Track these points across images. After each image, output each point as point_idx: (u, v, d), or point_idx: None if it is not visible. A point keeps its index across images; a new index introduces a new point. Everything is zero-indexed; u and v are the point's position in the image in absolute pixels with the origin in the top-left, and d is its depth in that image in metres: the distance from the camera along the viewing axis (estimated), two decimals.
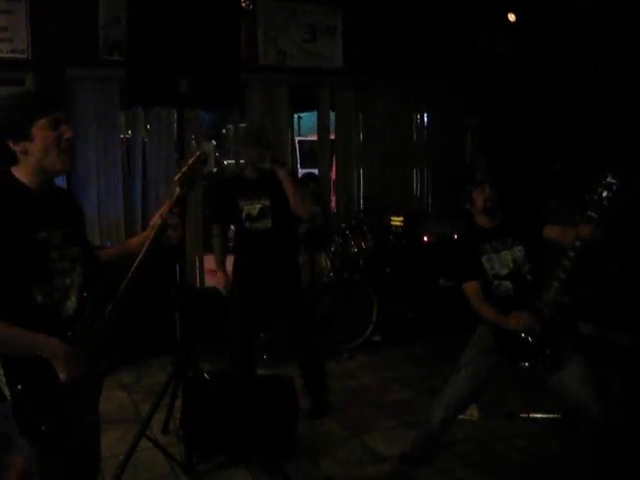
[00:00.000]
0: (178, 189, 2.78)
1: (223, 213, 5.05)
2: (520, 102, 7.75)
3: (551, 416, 4.49)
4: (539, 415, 4.56)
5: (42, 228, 2.35)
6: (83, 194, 6.88)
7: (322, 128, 8.10)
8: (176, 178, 2.78)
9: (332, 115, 8.20)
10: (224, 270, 5.08)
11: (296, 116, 12.95)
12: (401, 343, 6.60)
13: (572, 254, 3.32)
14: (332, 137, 8.26)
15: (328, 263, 6.78)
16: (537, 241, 3.66)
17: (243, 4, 7.08)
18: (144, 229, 7.15)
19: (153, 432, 4.34)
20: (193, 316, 4.40)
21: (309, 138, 11.93)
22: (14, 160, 2.38)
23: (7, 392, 2.23)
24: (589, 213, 3.24)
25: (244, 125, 7.78)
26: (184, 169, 2.80)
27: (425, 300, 6.81)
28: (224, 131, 17.25)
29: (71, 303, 2.44)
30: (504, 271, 3.67)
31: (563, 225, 3.56)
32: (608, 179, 3.15)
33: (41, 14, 6.56)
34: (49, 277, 2.36)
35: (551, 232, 3.62)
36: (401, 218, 7.30)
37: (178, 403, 4.20)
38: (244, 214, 4.78)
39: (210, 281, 7.34)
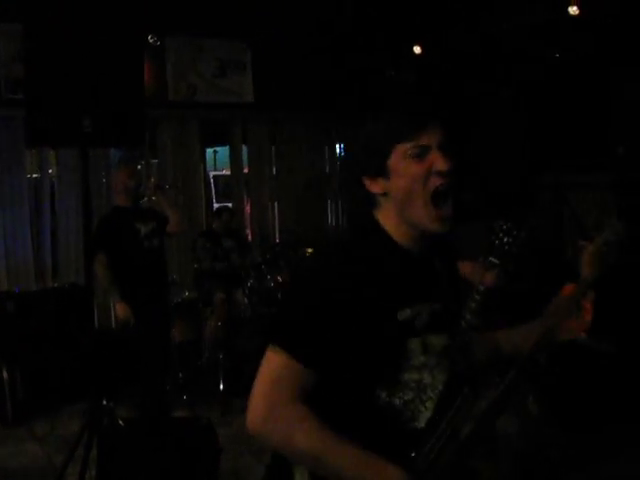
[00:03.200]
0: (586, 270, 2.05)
1: None
2: None
3: None
4: None
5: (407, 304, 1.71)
6: None
7: (235, 162, 8.09)
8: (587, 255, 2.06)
9: (245, 149, 8.19)
10: None
11: (212, 150, 12.89)
12: None
13: (478, 297, 3.27)
14: (246, 171, 8.24)
15: (245, 299, 6.68)
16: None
17: (150, 40, 7.02)
18: (54, 272, 7.03)
19: None
20: (104, 361, 4.27)
21: (225, 172, 11.88)
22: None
23: None
24: (491, 259, 3.15)
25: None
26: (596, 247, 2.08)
27: None
28: (139, 167, 17.03)
29: (425, 410, 1.72)
30: None
31: (473, 259, 3.54)
32: (503, 226, 3.08)
33: None
34: (401, 371, 1.69)
35: (462, 268, 3.60)
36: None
37: (94, 453, 4.04)
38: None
39: None
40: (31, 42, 3.68)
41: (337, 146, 8.75)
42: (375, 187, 1.74)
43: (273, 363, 1.61)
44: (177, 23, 7.30)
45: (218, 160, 13.55)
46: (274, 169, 8.36)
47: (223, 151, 12.42)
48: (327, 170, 8.70)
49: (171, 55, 7.50)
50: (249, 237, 8.16)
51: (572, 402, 4.83)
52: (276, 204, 8.35)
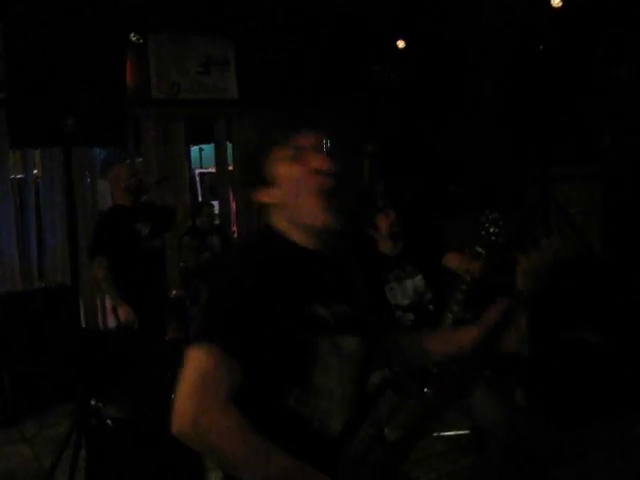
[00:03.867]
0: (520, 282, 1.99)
1: None
2: (413, 126, 7.92)
3: (460, 433, 4.49)
4: (449, 433, 4.57)
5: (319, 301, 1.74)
6: None
7: (220, 160, 8.07)
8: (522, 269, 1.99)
9: (229, 146, 8.17)
10: None
11: (197, 148, 12.86)
12: None
13: (464, 287, 3.30)
14: (230, 168, 8.23)
15: None
16: (436, 269, 3.61)
17: (133, 38, 6.98)
18: (40, 273, 7.00)
19: None
20: (91, 361, 4.25)
21: (211, 170, 11.88)
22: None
23: None
24: (477, 249, 3.20)
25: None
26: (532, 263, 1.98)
27: None
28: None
29: (337, 416, 1.73)
30: (406, 301, 3.58)
31: (461, 251, 3.52)
32: (490, 216, 3.13)
33: None
34: (309, 373, 1.68)
35: (450, 261, 3.59)
36: None
37: (83, 454, 4.03)
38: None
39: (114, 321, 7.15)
40: (12, 41, 3.65)
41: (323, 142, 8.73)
42: (264, 197, 1.80)
43: (200, 361, 1.57)
44: (159, 20, 7.27)
45: (204, 158, 13.55)
46: None
47: (209, 148, 12.44)
48: None
49: (154, 53, 7.46)
50: (235, 235, 8.14)
51: (561, 396, 4.85)
52: None
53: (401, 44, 7.69)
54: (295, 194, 1.75)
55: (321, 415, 1.69)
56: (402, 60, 7.84)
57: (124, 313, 4.90)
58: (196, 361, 1.57)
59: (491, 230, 3.13)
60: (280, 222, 1.79)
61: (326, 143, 1.84)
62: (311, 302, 1.69)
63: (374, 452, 1.67)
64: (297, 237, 1.78)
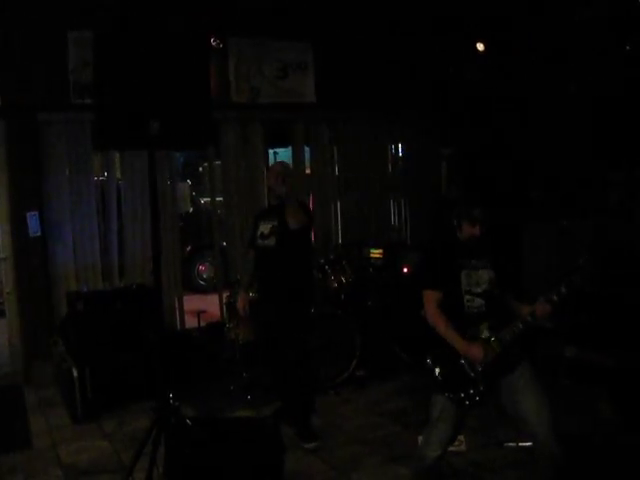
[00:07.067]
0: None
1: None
2: (493, 129, 7.80)
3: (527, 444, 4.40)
4: (527, 443, 4.48)
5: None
6: (57, 238, 6.82)
7: (297, 163, 8.09)
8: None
9: (307, 150, 8.21)
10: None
11: (272, 152, 12.96)
12: (386, 376, 6.52)
13: (521, 326, 3.56)
14: (308, 171, 8.26)
15: None
16: (509, 272, 3.75)
17: (213, 43, 7.10)
18: (121, 272, 7.18)
19: None
20: (171, 360, 4.32)
21: None
22: None
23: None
24: (552, 297, 3.49)
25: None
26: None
27: (408, 332, 6.74)
28: (200, 169, 17.23)
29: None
30: (479, 289, 3.66)
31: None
32: (562, 290, 3.48)
33: (10, 59, 6.53)
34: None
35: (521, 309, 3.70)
36: (380, 250, 7.26)
37: (161, 450, 4.11)
38: (258, 233, 5.23)
39: (191, 322, 7.27)
40: (101, 48, 3.76)
41: (399, 146, 8.70)
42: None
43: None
44: (239, 25, 7.38)
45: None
46: (336, 169, 8.34)
47: (283, 153, 12.52)
48: (389, 169, 8.65)
49: (234, 57, 7.57)
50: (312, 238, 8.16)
51: None
52: (338, 204, 8.33)
53: (481, 47, 7.59)
54: None
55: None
56: (482, 62, 7.73)
57: (240, 300, 5.45)
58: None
59: (562, 291, 3.48)
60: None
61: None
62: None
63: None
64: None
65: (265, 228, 5.16)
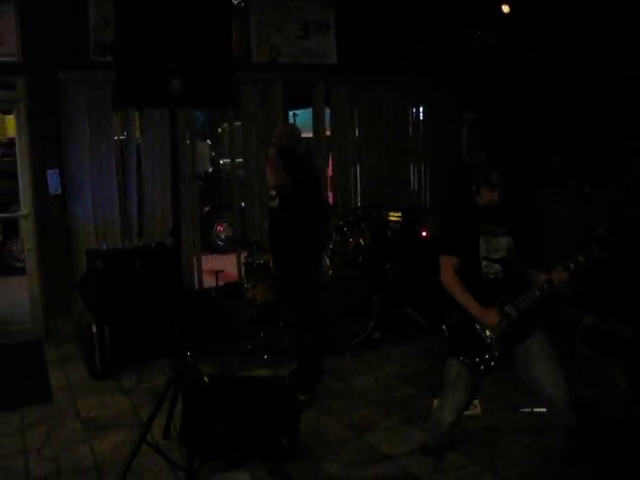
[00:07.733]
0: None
1: None
2: (515, 95, 7.69)
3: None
4: (542, 409, 4.49)
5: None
6: (78, 197, 6.86)
7: (318, 125, 8.05)
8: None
9: (327, 111, 8.15)
10: None
11: (291, 113, 12.89)
12: (402, 339, 6.55)
13: (538, 293, 3.53)
14: (328, 133, 8.21)
15: (326, 261, 6.71)
16: (528, 239, 3.73)
17: (235, 1, 7.03)
18: (140, 231, 7.21)
19: (154, 437, 4.29)
20: (190, 318, 4.36)
21: (305, 135, 11.87)
22: None
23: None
24: (570, 265, 3.44)
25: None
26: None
27: (425, 295, 6.74)
28: (219, 130, 17.18)
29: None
30: (497, 255, 3.64)
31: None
32: (580, 259, 3.43)
33: (31, 17, 6.51)
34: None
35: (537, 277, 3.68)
36: (399, 214, 7.23)
37: (179, 407, 4.17)
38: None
39: (209, 282, 7.31)
40: (122, 6, 3.73)
41: (420, 109, 8.61)
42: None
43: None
44: None
45: (298, 123, 13.58)
46: (357, 131, 8.29)
47: (303, 114, 12.45)
48: (410, 133, 8.59)
49: (255, 16, 7.50)
50: (331, 200, 8.16)
51: None
52: (358, 167, 8.29)
53: (506, 9, 7.45)
54: None
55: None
56: (506, 25, 7.59)
57: None
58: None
59: (581, 260, 3.43)
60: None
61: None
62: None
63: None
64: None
65: (274, 190, 5.27)
